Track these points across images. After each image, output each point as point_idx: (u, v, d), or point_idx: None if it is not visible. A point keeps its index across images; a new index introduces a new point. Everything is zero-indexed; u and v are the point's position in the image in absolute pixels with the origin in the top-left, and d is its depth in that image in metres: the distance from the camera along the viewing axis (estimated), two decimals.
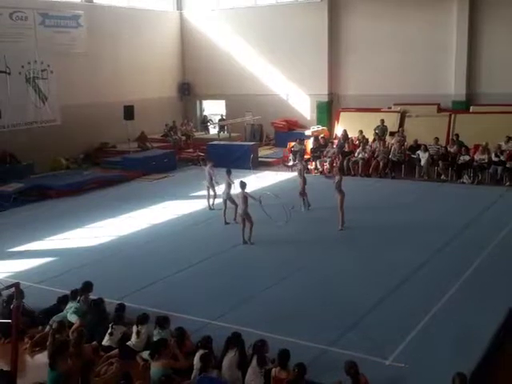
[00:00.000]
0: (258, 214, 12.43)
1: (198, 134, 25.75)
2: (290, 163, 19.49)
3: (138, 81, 24.27)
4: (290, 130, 23.92)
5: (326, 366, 7.13)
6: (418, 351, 7.50)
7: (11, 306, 7.25)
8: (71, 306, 8.66)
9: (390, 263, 10.79)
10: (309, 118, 24.51)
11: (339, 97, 24.05)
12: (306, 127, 23.61)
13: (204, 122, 27.98)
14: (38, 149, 19.70)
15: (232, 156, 19.80)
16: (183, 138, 24.83)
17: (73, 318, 8.36)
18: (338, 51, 23.75)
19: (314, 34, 23.69)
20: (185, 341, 7.56)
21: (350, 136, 20.85)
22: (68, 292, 9.02)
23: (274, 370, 6.73)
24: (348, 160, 19.25)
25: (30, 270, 11.12)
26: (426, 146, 18.59)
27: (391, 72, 22.41)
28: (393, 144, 19.59)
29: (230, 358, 6.95)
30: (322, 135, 21.51)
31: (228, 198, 13.66)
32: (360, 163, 19.06)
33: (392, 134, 20.89)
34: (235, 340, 7.14)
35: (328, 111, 24.13)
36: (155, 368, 6.89)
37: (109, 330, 8.05)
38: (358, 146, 19.87)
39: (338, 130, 22.28)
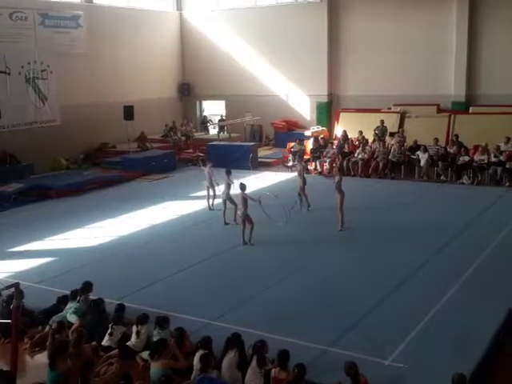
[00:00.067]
0: (258, 214, 12.43)
1: (198, 135, 25.76)
2: (290, 164, 19.49)
3: (138, 81, 24.27)
4: (290, 130, 23.93)
5: (325, 367, 7.14)
6: (418, 352, 7.50)
7: (11, 306, 7.25)
8: (71, 306, 8.66)
9: (390, 264, 10.80)
10: (308, 118, 24.51)
11: (339, 97, 24.06)
12: (305, 128, 23.62)
13: (204, 123, 27.97)
14: (38, 149, 19.70)
15: (232, 156, 19.80)
16: (183, 138, 24.83)
17: (72, 318, 8.36)
18: (338, 51, 23.76)
19: (313, 35, 23.70)
20: (184, 341, 7.56)
21: (349, 136, 20.87)
22: (68, 292, 9.02)
23: (273, 370, 6.73)
24: (348, 160, 19.25)
25: (29, 270, 11.12)
26: (425, 146, 18.59)
27: (391, 72, 22.42)
28: (392, 144, 19.60)
29: (230, 358, 6.96)
30: (321, 136, 21.52)
31: (228, 198, 13.66)
32: (360, 164, 19.07)
33: (392, 134, 20.90)
34: (235, 340, 7.14)
35: (328, 112, 24.14)
36: (155, 368, 6.90)
37: (108, 330, 8.05)
38: (358, 147, 19.88)
39: (338, 131, 22.30)
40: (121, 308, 8.52)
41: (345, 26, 23.47)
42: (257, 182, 17.70)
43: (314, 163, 19.81)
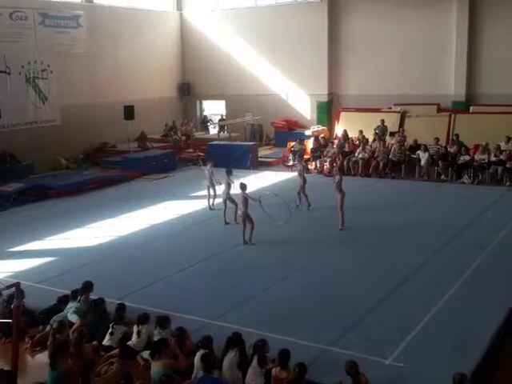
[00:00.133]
0: (258, 213, 12.43)
1: (198, 134, 25.76)
2: (290, 163, 19.50)
3: (138, 81, 24.27)
4: (290, 129, 23.92)
5: (326, 366, 7.14)
6: (418, 351, 7.51)
7: (12, 306, 7.25)
8: (72, 305, 8.67)
9: (390, 263, 10.80)
10: (309, 117, 24.51)
11: (339, 97, 24.06)
12: (306, 127, 23.61)
13: (204, 122, 27.99)
14: (38, 149, 19.70)
15: (232, 156, 19.81)
16: (183, 137, 24.84)
17: (73, 318, 8.37)
18: (338, 51, 23.75)
19: (313, 34, 23.69)
20: (185, 340, 7.56)
21: (350, 136, 20.87)
22: (68, 292, 9.03)
23: (274, 369, 6.73)
24: (348, 160, 19.26)
25: (30, 269, 11.12)
26: (426, 146, 18.60)
27: (391, 72, 22.41)
28: (393, 144, 19.60)
29: (231, 358, 6.95)
30: (322, 135, 21.53)
31: (228, 197, 13.66)
32: (360, 163, 19.07)
33: (392, 134, 20.91)
34: (235, 340, 7.14)
35: (328, 111, 24.14)
36: (156, 368, 6.90)
37: (109, 330, 8.06)
38: (358, 146, 19.88)
39: (338, 130, 22.29)
40: (121, 308, 8.52)
41: (345, 25, 23.46)
42: (257, 181, 17.71)
43: (314, 163, 19.82)
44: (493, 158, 17.67)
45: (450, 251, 11.41)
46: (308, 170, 18.89)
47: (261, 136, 25.02)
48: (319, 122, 23.87)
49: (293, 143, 20.49)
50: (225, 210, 13.77)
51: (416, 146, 19.21)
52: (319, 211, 14.35)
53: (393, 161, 18.85)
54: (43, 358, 7.74)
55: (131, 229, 13.68)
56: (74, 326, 7.98)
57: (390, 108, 22.31)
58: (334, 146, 20.13)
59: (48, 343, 7.77)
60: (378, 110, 22.13)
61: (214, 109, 28.43)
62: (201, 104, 28.27)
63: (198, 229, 13.69)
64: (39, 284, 10.22)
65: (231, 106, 26.28)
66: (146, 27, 24.94)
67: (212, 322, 8.49)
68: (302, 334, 7.96)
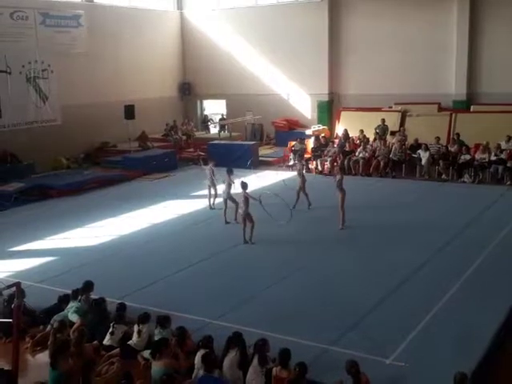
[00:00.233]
0: (259, 213, 12.43)
1: (199, 134, 25.78)
2: (291, 163, 19.50)
3: (139, 80, 24.27)
4: (291, 129, 23.91)
5: (327, 366, 7.14)
6: (419, 350, 7.50)
7: (12, 306, 7.24)
8: (72, 305, 8.67)
9: (391, 263, 10.79)
10: (309, 117, 24.50)
11: (340, 96, 24.06)
12: (306, 127, 23.61)
13: (204, 122, 27.99)
14: (39, 148, 19.71)
15: (233, 155, 19.79)
16: (184, 137, 24.84)
17: (74, 318, 8.37)
18: (339, 51, 23.74)
19: (314, 34, 23.68)
20: (186, 340, 7.55)
21: (350, 135, 20.86)
22: (69, 291, 9.02)
23: (274, 369, 6.72)
24: (349, 159, 19.26)
25: (30, 269, 11.12)
26: (426, 145, 18.59)
27: (392, 71, 22.40)
28: (393, 143, 19.59)
29: (231, 357, 6.95)
30: (322, 134, 21.53)
31: (228, 197, 13.66)
32: (361, 162, 19.06)
33: (393, 133, 20.90)
34: (236, 340, 7.14)
35: (329, 111, 24.13)
36: (156, 367, 6.89)
37: (110, 330, 8.06)
38: (359, 146, 19.87)
39: (339, 130, 22.28)
40: (122, 307, 8.52)
41: (345, 25, 23.45)
42: (257, 180, 17.71)
43: (314, 162, 19.81)
44: (493, 157, 17.67)
45: (450, 250, 11.41)
46: (309, 170, 18.94)
47: (261, 135, 25.03)
48: (320, 121, 23.86)
49: (293, 143, 20.49)
50: (225, 210, 13.76)
51: (417, 146, 19.20)
52: (320, 211, 14.34)
53: (393, 160, 18.84)
54: (44, 357, 7.74)
55: (132, 228, 13.68)
56: (75, 326, 7.98)
57: (391, 107, 22.30)
58: (335, 146, 20.12)
59: (48, 343, 7.77)
60: (378, 110, 22.12)
61: (214, 108, 28.43)
62: (201, 103, 28.28)
63: (199, 228, 13.69)
64: (40, 283, 10.22)
65: (232, 105, 26.27)
66: (146, 27, 24.94)
67: (213, 322, 8.48)
68: (303, 333, 7.95)
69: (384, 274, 10.26)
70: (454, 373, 6.16)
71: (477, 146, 18.55)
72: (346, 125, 22.02)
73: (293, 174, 17.72)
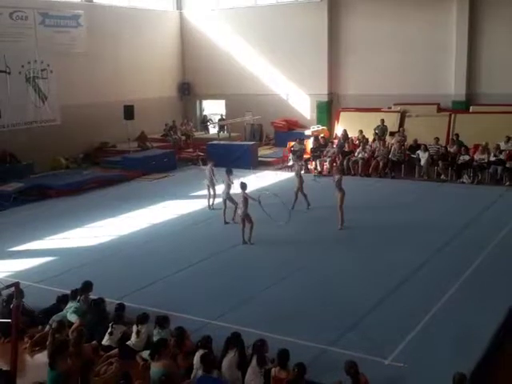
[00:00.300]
0: (258, 213, 12.43)
1: (198, 134, 25.77)
2: (290, 163, 19.50)
3: (138, 80, 24.27)
4: (290, 129, 23.91)
5: (325, 366, 7.14)
6: (418, 351, 7.50)
7: (11, 306, 7.25)
8: (71, 305, 8.66)
9: (390, 263, 10.79)
10: (309, 117, 24.50)
11: (339, 96, 24.06)
12: (305, 127, 23.61)
13: (204, 122, 27.98)
14: (38, 148, 19.70)
15: (232, 156, 19.80)
16: (183, 137, 24.85)
17: (73, 318, 8.36)
18: (338, 51, 23.74)
19: (314, 34, 23.69)
20: (185, 340, 7.55)
21: (349, 136, 20.86)
22: (68, 291, 9.02)
23: (273, 369, 6.72)
24: (348, 160, 19.26)
25: (29, 269, 11.12)
26: (425, 145, 18.60)
27: (391, 72, 22.41)
28: (393, 144, 19.60)
29: (230, 358, 6.95)
30: (321, 135, 21.53)
31: (228, 197, 13.66)
32: (360, 163, 19.06)
33: (392, 133, 20.91)
34: (235, 340, 7.14)
35: (328, 111, 24.13)
36: (155, 368, 6.89)
37: (109, 330, 8.05)
38: (358, 146, 19.87)
39: (338, 130, 22.28)
40: (121, 307, 8.52)
41: (345, 25, 23.46)
42: (257, 181, 17.70)
43: (314, 162, 19.81)
44: (492, 158, 17.67)
45: (450, 251, 11.41)
46: (308, 170, 18.94)
47: (261, 136, 25.00)
48: (319, 121, 23.87)
49: (293, 143, 20.48)
50: (224, 210, 13.76)
51: (416, 146, 19.20)
52: (319, 211, 14.34)
53: (393, 160, 18.84)
54: (42, 357, 7.74)
55: (131, 228, 13.68)
56: (74, 326, 7.97)
57: (390, 108, 22.31)
58: (334, 146, 20.12)
59: (47, 343, 7.77)
60: (377, 110, 22.12)
61: (213, 108, 28.41)
62: (201, 104, 28.28)
63: (198, 228, 13.68)
64: (39, 284, 10.21)
65: (231, 105, 26.27)
66: (145, 27, 24.94)
67: (211, 322, 8.48)
68: (302, 333, 7.95)
69: (383, 274, 10.26)
70: (452, 373, 6.16)
71: (476, 147, 18.56)
72: (346, 125, 22.02)
73: (292, 174, 17.72)
